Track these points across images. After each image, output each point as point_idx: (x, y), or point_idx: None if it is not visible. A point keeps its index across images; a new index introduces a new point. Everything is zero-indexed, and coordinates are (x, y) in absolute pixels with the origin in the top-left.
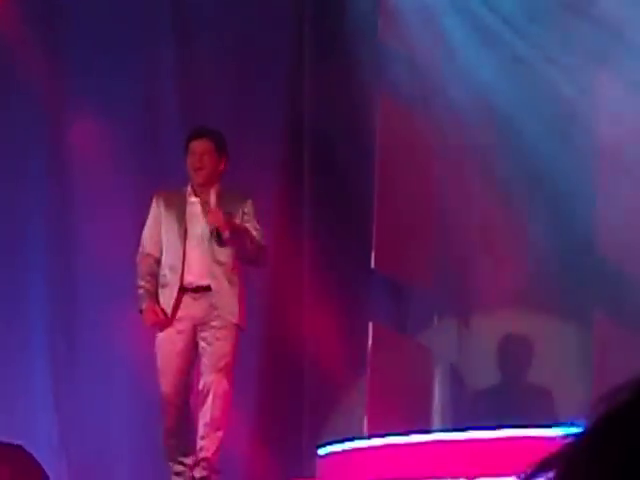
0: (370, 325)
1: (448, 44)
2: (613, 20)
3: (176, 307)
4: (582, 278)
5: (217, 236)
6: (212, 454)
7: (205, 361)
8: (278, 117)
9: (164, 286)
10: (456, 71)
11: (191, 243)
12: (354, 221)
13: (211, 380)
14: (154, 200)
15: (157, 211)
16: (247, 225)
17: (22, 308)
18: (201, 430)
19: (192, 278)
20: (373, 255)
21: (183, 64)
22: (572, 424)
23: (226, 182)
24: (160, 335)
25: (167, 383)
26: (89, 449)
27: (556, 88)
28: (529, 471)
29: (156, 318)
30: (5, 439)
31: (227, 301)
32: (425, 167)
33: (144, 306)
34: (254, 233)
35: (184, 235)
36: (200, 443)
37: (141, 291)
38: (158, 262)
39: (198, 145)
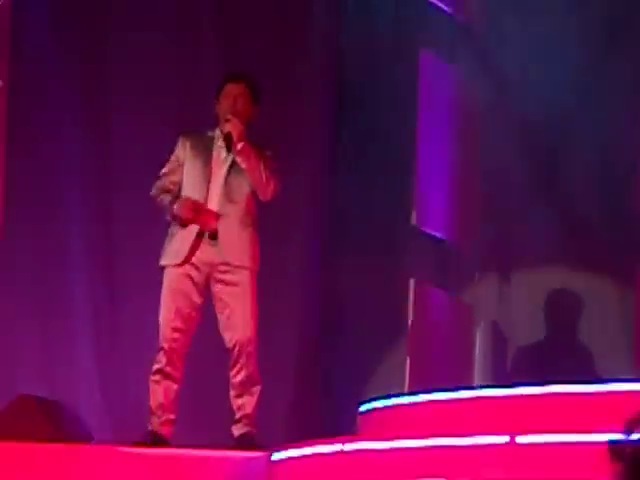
0: (411, 282)
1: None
2: None
3: (193, 250)
4: (625, 234)
5: (228, 140)
6: (252, 410)
7: (227, 319)
8: (316, 73)
9: (183, 225)
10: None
11: (214, 189)
12: (396, 177)
13: (240, 339)
14: (180, 139)
15: (181, 150)
16: (267, 157)
17: (63, 277)
18: (237, 389)
19: None
20: (414, 211)
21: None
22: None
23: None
24: (171, 273)
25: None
26: (131, 409)
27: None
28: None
29: (193, 205)
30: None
31: (236, 244)
32: (467, 124)
33: (176, 207)
34: (268, 164)
35: (209, 179)
36: (237, 402)
37: (164, 202)
38: (171, 192)
39: (234, 88)
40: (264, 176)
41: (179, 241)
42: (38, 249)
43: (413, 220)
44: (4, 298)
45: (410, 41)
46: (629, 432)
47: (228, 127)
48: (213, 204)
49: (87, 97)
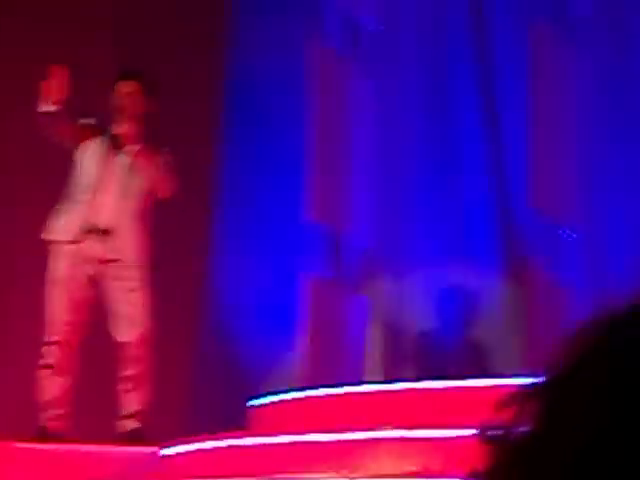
0: (305, 278)
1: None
2: None
3: (82, 234)
4: (517, 232)
5: (116, 142)
6: (141, 406)
7: (120, 314)
8: (204, 72)
9: (76, 202)
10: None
11: (110, 186)
12: (286, 173)
13: (133, 334)
14: (79, 121)
15: (79, 127)
16: (164, 154)
17: None
18: (127, 384)
19: (103, 218)
20: (306, 208)
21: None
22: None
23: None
24: (60, 257)
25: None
26: (20, 404)
27: None
28: (506, 401)
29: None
30: None
31: (129, 241)
32: (360, 118)
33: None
34: (165, 161)
35: (106, 175)
36: (127, 397)
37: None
38: None
39: (124, 86)
40: (160, 175)
41: (70, 219)
42: None
43: (306, 217)
44: None
45: (302, 38)
46: (498, 414)
47: (118, 129)
48: (106, 203)
49: None
